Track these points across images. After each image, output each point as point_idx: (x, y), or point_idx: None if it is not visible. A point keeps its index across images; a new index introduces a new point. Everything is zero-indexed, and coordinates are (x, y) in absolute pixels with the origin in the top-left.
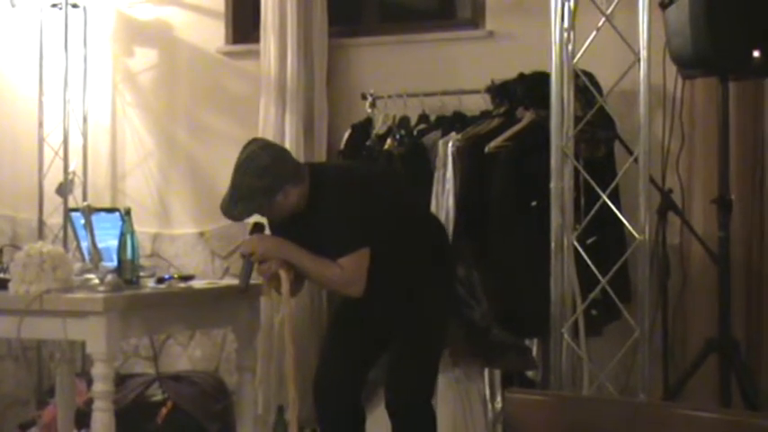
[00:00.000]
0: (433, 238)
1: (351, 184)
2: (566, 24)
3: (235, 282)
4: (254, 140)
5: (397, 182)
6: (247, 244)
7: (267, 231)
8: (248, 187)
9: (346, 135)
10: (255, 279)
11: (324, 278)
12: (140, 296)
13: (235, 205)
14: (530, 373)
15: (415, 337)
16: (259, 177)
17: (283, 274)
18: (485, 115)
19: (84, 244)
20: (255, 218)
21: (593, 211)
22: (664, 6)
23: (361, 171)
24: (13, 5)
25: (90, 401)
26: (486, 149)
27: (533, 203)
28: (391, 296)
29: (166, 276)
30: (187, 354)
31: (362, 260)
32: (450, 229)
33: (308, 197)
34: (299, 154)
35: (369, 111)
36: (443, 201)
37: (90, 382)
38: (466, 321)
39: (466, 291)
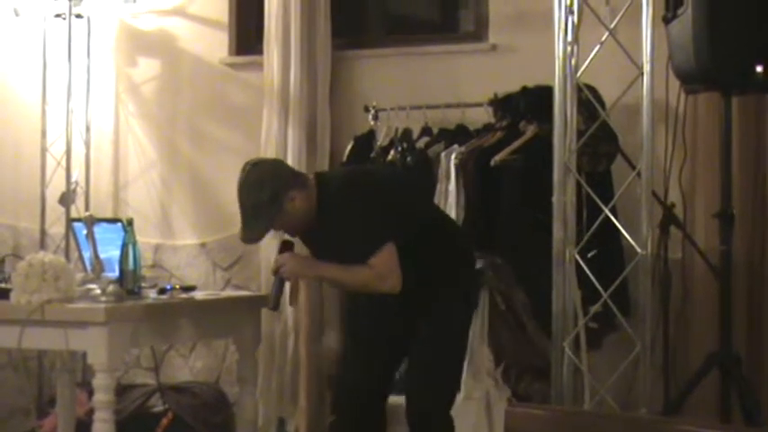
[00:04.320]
0: (457, 240)
1: (361, 183)
2: (569, 38)
3: (237, 293)
4: (247, 163)
5: (412, 182)
6: (278, 262)
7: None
8: (253, 205)
9: (349, 147)
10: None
11: (359, 283)
12: (142, 307)
13: (249, 228)
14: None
15: (437, 341)
16: (259, 190)
17: (302, 285)
18: (488, 128)
19: (86, 254)
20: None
21: (595, 225)
22: (667, 21)
23: (371, 170)
24: (17, 15)
25: (91, 412)
26: (493, 162)
27: (539, 216)
28: (413, 297)
29: (168, 287)
30: (188, 365)
31: (391, 255)
32: None
33: (319, 206)
34: (301, 166)
35: (371, 123)
36: (447, 213)
37: (91, 393)
38: (527, 339)
39: (514, 307)
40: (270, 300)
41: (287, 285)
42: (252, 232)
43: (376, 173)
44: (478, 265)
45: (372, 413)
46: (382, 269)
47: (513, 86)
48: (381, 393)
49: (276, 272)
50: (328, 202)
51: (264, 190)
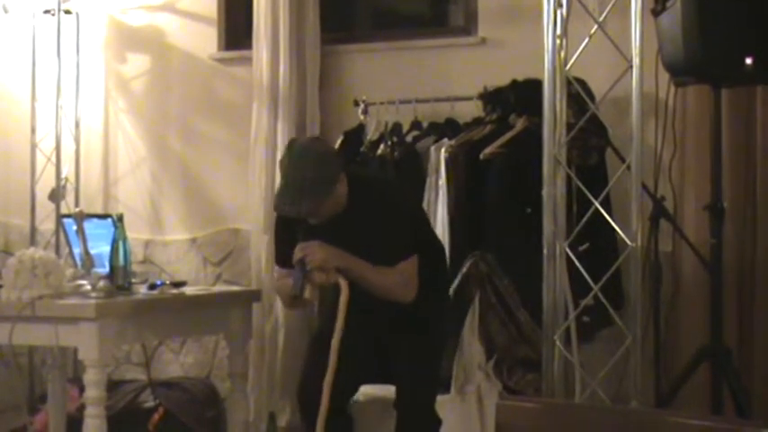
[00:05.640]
0: (439, 244)
1: (398, 190)
2: (558, 31)
3: (227, 288)
4: (297, 138)
5: None
6: (309, 249)
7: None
8: (314, 178)
9: (339, 141)
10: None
11: (384, 284)
12: (132, 302)
13: (301, 199)
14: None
15: (427, 338)
16: (321, 165)
17: (344, 285)
18: (477, 122)
19: (77, 250)
20: None
21: (585, 219)
22: (656, 14)
23: (395, 180)
24: (5, 11)
25: (82, 407)
26: (482, 156)
27: (528, 210)
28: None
29: (158, 282)
30: (179, 360)
31: (415, 265)
32: (446, 235)
33: (352, 198)
34: None
35: (361, 117)
36: (436, 206)
37: (82, 389)
38: (519, 332)
39: (505, 301)
40: (294, 288)
41: (314, 274)
42: (300, 206)
43: (400, 184)
44: (470, 259)
45: (339, 417)
46: (408, 276)
47: (502, 80)
48: (347, 398)
49: (301, 260)
50: (361, 199)
51: (328, 167)
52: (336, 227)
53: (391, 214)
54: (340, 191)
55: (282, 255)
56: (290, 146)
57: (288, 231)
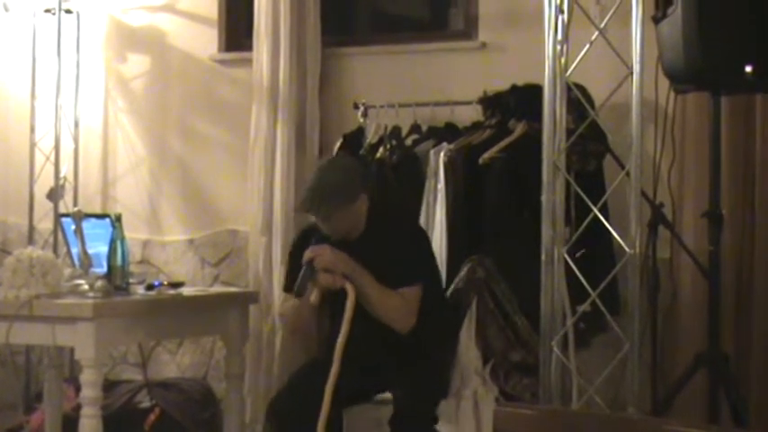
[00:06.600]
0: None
1: (415, 222)
2: (559, 37)
3: (225, 289)
4: (327, 158)
5: None
6: (319, 251)
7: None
8: (334, 185)
9: (338, 144)
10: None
11: (386, 305)
12: (130, 303)
13: (320, 202)
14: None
15: (432, 356)
16: (344, 176)
17: (350, 290)
18: (477, 126)
19: (75, 250)
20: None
21: (584, 225)
22: (656, 21)
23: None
24: (6, 10)
25: (78, 407)
26: (481, 161)
27: (526, 215)
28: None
29: (156, 283)
30: (176, 361)
31: (419, 295)
32: (444, 239)
33: (371, 221)
34: (290, 162)
35: (361, 120)
36: (435, 210)
37: (78, 388)
38: (517, 337)
39: (503, 305)
40: (298, 286)
41: (320, 276)
42: (318, 209)
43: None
44: (467, 263)
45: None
46: (411, 304)
47: (502, 85)
48: (340, 406)
49: (310, 261)
50: (381, 221)
51: (351, 180)
52: (351, 250)
53: (403, 242)
54: (359, 209)
55: (292, 280)
56: (322, 159)
57: (302, 256)
